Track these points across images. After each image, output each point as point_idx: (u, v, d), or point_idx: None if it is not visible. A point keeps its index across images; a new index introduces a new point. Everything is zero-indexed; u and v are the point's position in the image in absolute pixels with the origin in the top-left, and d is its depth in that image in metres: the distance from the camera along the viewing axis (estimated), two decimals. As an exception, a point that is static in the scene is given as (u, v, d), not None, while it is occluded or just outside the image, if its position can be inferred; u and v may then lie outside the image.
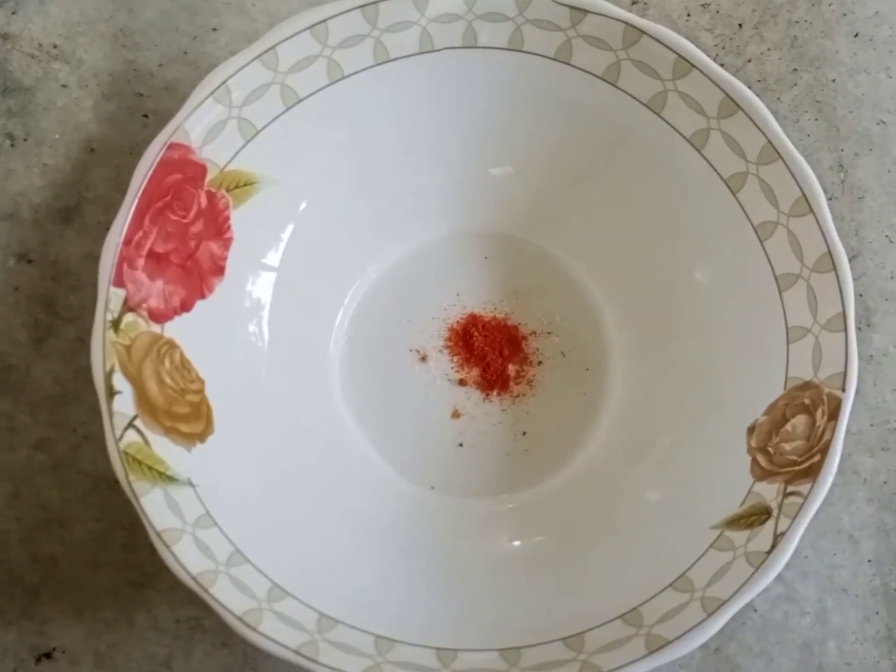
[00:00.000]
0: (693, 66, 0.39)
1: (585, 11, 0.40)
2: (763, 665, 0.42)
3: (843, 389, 0.37)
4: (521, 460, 0.44)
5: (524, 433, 0.44)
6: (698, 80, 0.39)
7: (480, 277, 0.45)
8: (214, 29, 0.48)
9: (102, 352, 0.36)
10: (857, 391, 0.44)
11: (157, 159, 0.38)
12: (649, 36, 0.39)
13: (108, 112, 0.47)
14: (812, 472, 0.36)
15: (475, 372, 0.45)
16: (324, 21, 0.39)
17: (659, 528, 0.40)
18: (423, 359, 0.45)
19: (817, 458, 0.37)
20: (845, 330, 0.37)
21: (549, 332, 0.45)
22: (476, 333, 0.45)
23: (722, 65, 0.47)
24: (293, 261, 0.42)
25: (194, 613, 0.42)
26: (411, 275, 0.45)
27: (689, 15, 0.48)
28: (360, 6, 0.39)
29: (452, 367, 0.45)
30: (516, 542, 0.42)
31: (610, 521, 0.41)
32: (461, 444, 0.44)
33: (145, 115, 0.47)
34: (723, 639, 0.43)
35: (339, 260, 0.44)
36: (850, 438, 0.44)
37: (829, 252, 0.38)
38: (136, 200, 0.38)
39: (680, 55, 0.39)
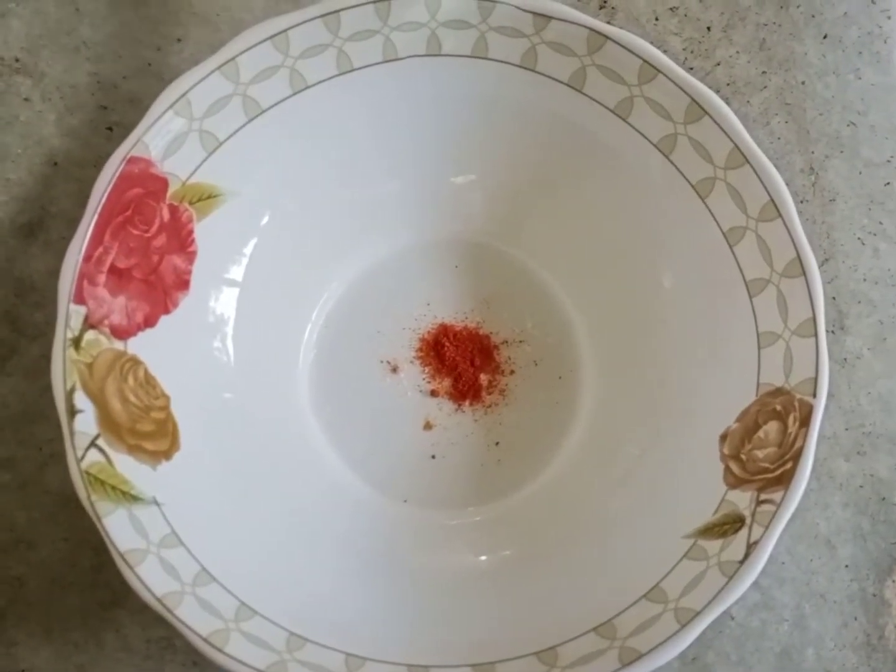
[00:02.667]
0: (658, 71, 0.39)
1: (549, 17, 0.39)
2: (741, 673, 0.42)
3: (815, 395, 0.37)
4: (495, 471, 0.43)
5: (497, 443, 0.44)
6: (664, 84, 0.39)
7: (450, 286, 0.45)
8: (179, 40, 0.47)
9: (63, 371, 0.36)
10: (832, 395, 0.44)
11: (117, 174, 0.37)
12: (613, 41, 0.39)
13: (71, 125, 0.46)
14: (784, 480, 0.36)
15: (447, 382, 0.44)
16: (284, 31, 0.39)
17: (632, 538, 0.39)
18: (395, 370, 0.44)
19: (789, 465, 0.36)
20: (815, 335, 0.37)
21: (521, 341, 0.45)
22: (447, 343, 0.44)
23: (690, 69, 0.47)
24: (257, 276, 0.42)
25: (165, 633, 0.42)
26: (380, 286, 0.45)
27: (657, 19, 0.48)
28: (322, 15, 0.39)
29: (424, 378, 0.44)
30: (490, 555, 0.41)
31: (582, 532, 0.41)
32: (434, 456, 0.43)
33: (109, 128, 0.46)
34: (700, 647, 0.42)
35: (305, 273, 0.44)
36: (825, 443, 0.44)
37: (799, 257, 0.38)
38: (96, 216, 0.37)
39: (645, 60, 0.39)
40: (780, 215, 0.38)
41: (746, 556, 0.35)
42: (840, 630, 0.43)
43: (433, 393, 0.44)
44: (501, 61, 0.41)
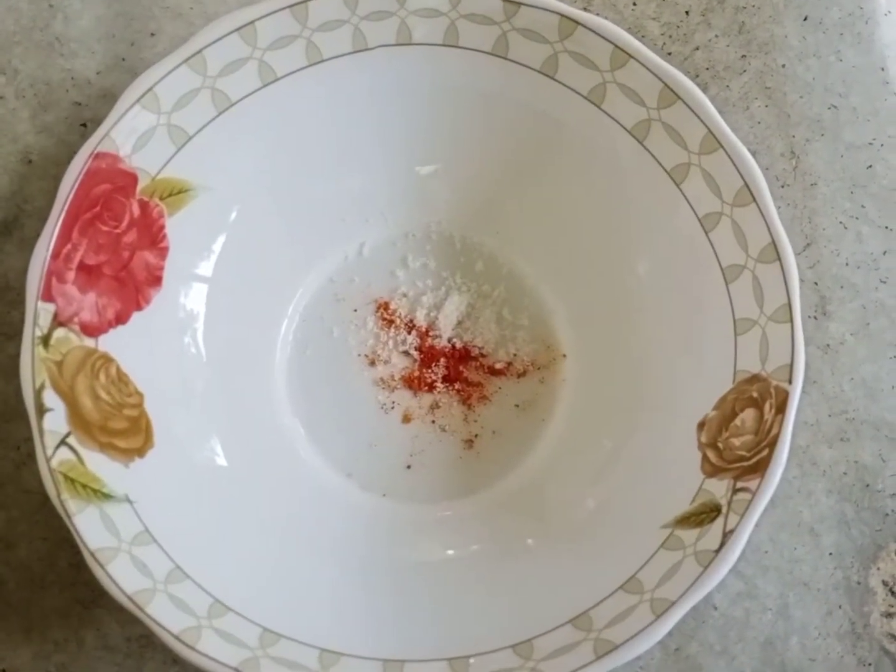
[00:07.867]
0: (630, 55, 0.38)
1: (519, 4, 0.39)
2: (725, 664, 0.42)
3: (790, 382, 0.36)
4: (474, 464, 0.43)
5: (476, 436, 0.43)
6: (636, 69, 0.39)
7: (426, 279, 0.45)
8: (152, 34, 0.47)
9: (32, 369, 0.36)
10: (814, 381, 0.43)
11: (84, 170, 0.37)
12: (584, 27, 0.39)
13: (45, 122, 0.46)
14: (760, 468, 0.36)
15: (425, 375, 0.44)
16: (252, 23, 0.38)
17: (609, 528, 0.39)
18: (372, 363, 0.44)
19: (765, 452, 0.36)
20: (791, 320, 0.37)
21: (498, 333, 0.44)
22: (424, 335, 0.44)
23: (669, 53, 0.47)
24: (227, 272, 0.41)
25: (144, 631, 0.41)
26: (354, 279, 0.44)
27: (634, 3, 0.47)
28: (289, 6, 0.39)
29: (402, 371, 0.44)
30: (466, 549, 0.41)
31: (559, 525, 0.40)
32: (413, 449, 0.43)
33: (83, 125, 0.46)
34: (683, 638, 0.42)
35: (277, 269, 0.43)
36: (807, 429, 0.44)
37: (773, 242, 0.37)
38: (63, 213, 0.37)
39: (616, 45, 0.38)
40: (755, 200, 0.38)
41: (722, 544, 0.35)
42: (824, 619, 0.42)
43: (411, 386, 0.44)
44: (473, 49, 0.40)
